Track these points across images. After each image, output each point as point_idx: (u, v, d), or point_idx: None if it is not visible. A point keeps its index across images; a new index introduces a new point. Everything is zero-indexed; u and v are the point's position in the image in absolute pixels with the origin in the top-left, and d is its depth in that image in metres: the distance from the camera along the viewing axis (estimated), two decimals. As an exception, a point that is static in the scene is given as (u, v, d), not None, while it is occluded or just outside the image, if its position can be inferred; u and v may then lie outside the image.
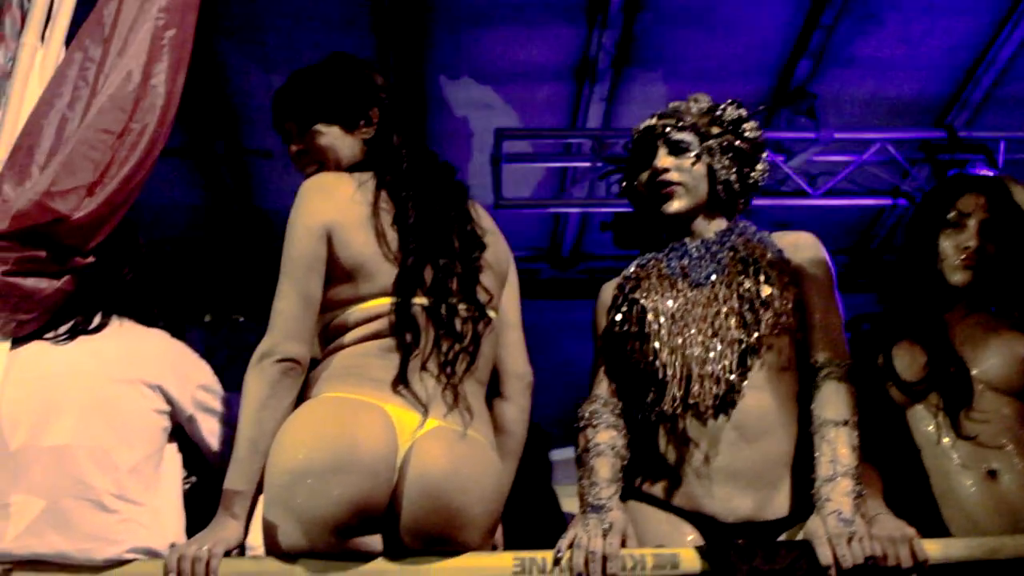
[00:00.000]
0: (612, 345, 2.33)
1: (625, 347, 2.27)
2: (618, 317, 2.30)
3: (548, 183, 6.44)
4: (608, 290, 2.42)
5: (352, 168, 2.27)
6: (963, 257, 2.35)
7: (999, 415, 2.22)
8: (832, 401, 2.14)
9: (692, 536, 2.13)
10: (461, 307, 2.11)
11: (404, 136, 2.30)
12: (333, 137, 2.30)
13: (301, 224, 2.12)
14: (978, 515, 2.16)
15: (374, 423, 1.96)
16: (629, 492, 2.22)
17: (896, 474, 2.25)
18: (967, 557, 2.02)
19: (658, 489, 2.21)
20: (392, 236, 2.13)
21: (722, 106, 2.42)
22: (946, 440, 2.23)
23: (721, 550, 1.96)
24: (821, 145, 5.68)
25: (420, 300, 2.08)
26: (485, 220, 2.31)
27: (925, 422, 2.27)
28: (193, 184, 6.05)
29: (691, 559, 1.97)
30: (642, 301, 2.26)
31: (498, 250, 2.28)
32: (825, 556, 1.92)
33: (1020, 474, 2.16)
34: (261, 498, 2.01)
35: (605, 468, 2.17)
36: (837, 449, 2.07)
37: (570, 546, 1.97)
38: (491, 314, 2.18)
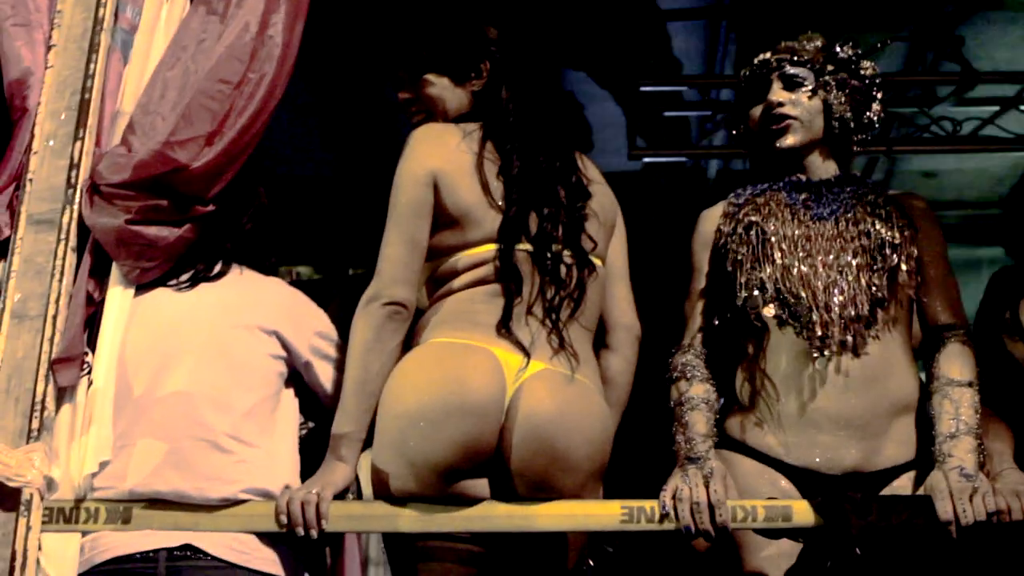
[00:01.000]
0: (719, 275, 2.26)
1: (738, 273, 2.19)
2: (733, 238, 2.23)
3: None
4: (712, 219, 2.35)
5: (459, 119, 2.28)
6: None
7: None
8: (958, 362, 2.06)
9: (788, 488, 2.08)
10: (565, 254, 2.11)
11: (515, 90, 2.29)
12: (442, 87, 2.32)
13: (408, 171, 2.15)
14: None
15: (483, 366, 1.98)
16: (720, 440, 2.16)
17: (1018, 433, 2.16)
18: None
19: (753, 437, 2.16)
20: (497, 186, 2.15)
21: (838, 44, 2.33)
22: None
23: (836, 504, 1.90)
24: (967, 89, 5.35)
25: (524, 247, 2.09)
26: (592, 171, 2.31)
27: None
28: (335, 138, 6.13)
29: (804, 512, 1.93)
30: (762, 224, 2.19)
31: (604, 201, 2.27)
32: (946, 511, 1.85)
33: None
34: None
35: (701, 423, 2.11)
36: (961, 408, 2.00)
37: (673, 498, 1.94)
38: (596, 262, 2.17)
